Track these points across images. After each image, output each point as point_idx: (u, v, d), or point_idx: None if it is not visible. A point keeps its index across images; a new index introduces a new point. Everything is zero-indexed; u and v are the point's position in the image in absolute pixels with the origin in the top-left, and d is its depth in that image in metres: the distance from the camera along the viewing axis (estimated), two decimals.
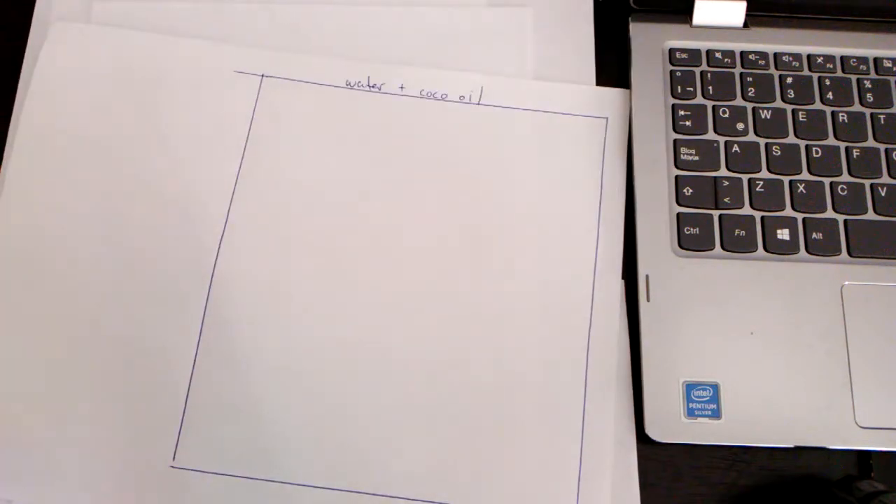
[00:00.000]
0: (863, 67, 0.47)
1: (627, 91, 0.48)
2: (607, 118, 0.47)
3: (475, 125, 0.47)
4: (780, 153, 0.45)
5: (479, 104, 0.47)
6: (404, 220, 0.45)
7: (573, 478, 0.40)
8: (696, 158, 0.45)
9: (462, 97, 0.47)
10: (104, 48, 0.47)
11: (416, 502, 0.40)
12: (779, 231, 0.43)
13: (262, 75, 0.47)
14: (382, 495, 0.40)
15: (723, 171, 0.45)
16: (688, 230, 0.43)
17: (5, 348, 0.42)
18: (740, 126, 0.46)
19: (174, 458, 0.40)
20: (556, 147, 0.46)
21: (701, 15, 0.48)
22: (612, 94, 0.48)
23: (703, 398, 0.40)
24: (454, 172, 0.46)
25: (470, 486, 0.40)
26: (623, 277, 0.44)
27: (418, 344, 0.42)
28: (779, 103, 0.46)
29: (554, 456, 0.40)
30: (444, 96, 0.47)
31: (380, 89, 0.47)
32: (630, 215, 0.45)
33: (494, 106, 0.47)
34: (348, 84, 0.47)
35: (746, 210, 0.44)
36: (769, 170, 0.45)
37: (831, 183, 0.45)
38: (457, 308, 0.43)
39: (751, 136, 0.46)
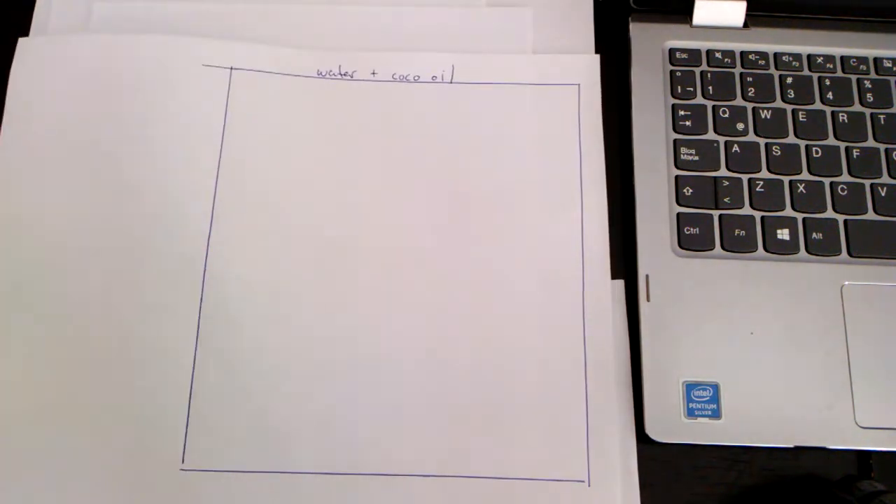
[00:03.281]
0: (863, 67, 0.47)
1: (597, 56, 0.48)
2: (579, 85, 0.47)
3: (450, 104, 0.47)
4: (780, 153, 0.45)
5: (451, 83, 0.47)
6: (387, 206, 0.45)
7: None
8: (696, 158, 0.45)
9: (435, 77, 0.47)
10: (71, 57, 0.47)
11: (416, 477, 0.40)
12: (779, 231, 0.43)
13: (231, 68, 0.47)
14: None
15: (723, 171, 0.45)
16: (688, 230, 0.43)
17: (5, 358, 0.42)
18: (740, 126, 0.46)
19: (183, 460, 0.40)
20: (531, 118, 0.46)
21: (701, 15, 0.48)
22: (582, 60, 0.48)
23: (703, 398, 0.40)
24: (434, 154, 0.46)
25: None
26: (623, 277, 0.44)
27: (412, 335, 0.42)
28: (779, 103, 0.46)
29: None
30: (416, 78, 0.47)
31: (352, 77, 0.47)
32: (630, 215, 0.45)
33: (467, 83, 0.47)
34: (319, 73, 0.47)
35: (746, 210, 0.44)
36: (769, 170, 0.45)
37: (831, 183, 0.45)
38: (447, 294, 0.43)
39: (751, 136, 0.46)
